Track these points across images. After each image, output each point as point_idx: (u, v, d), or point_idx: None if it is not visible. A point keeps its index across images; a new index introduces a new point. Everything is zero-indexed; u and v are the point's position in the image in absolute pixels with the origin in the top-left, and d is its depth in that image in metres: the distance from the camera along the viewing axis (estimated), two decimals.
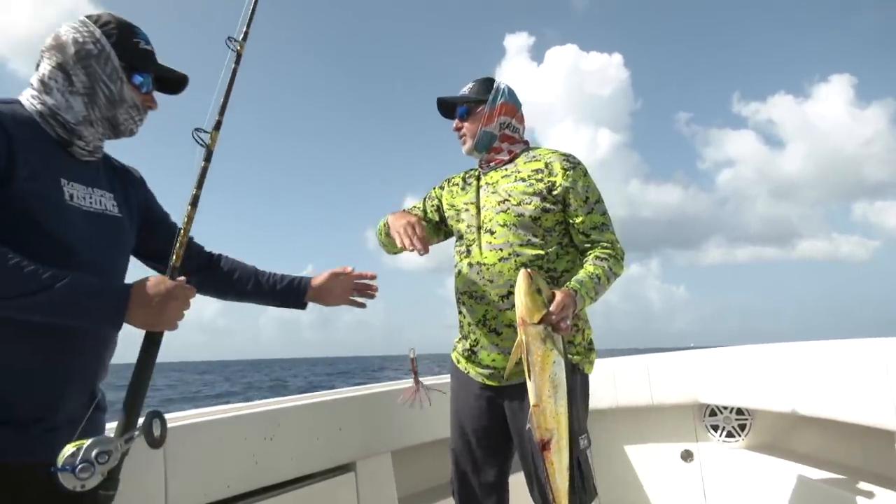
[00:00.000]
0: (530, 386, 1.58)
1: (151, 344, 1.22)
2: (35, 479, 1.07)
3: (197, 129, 1.36)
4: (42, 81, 1.25)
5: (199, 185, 1.34)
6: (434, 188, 2.23)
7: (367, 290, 1.83)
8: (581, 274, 1.81)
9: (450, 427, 2.09)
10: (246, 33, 1.49)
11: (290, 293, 1.71)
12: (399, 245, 1.90)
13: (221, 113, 1.40)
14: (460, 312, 2.03)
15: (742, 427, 3.03)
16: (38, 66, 1.27)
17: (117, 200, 1.36)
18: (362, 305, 1.82)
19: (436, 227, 2.19)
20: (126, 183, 1.44)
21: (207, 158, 1.36)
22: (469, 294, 1.96)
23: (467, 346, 1.99)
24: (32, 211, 1.13)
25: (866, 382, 2.10)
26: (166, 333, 1.24)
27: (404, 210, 2.18)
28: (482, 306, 1.93)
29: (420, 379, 2.24)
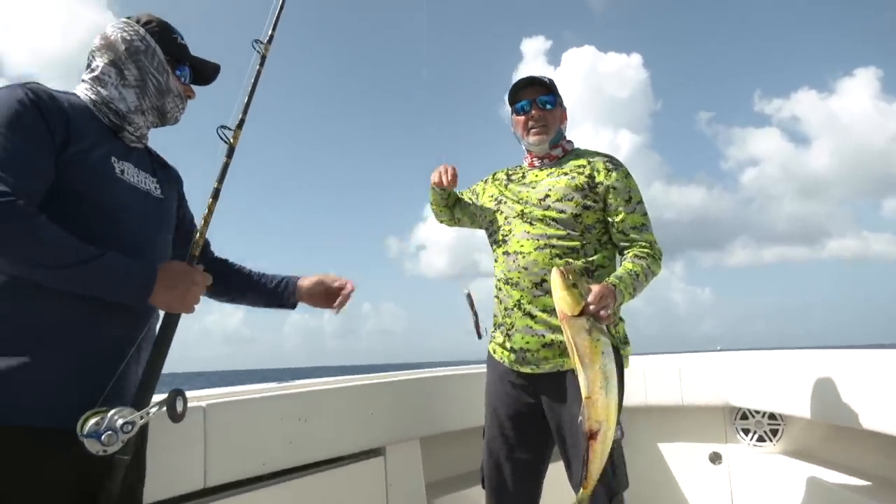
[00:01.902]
0: (581, 379, 1.61)
1: (170, 324, 1.29)
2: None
3: (222, 127, 1.42)
4: (96, 77, 1.35)
5: (221, 180, 1.41)
6: (479, 182, 2.29)
7: (342, 301, 1.78)
8: (620, 270, 1.86)
9: (484, 416, 2.11)
10: (271, 36, 1.54)
11: (280, 294, 1.74)
12: (437, 180, 2.10)
13: (245, 112, 1.47)
14: (497, 299, 2.07)
15: (774, 432, 2.98)
16: (88, 64, 1.37)
17: (161, 185, 1.45)
18: (338, 310, 1.79)
19: (471, 214, 2.27)
20: (167, 174, 1.53)
21: (229, 154, 1.42)
22: (506, 280, 2.01)
23: (504, 328, 2.03)
24: (85, 180, 1.22)
25: None
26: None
27: None
28: (517, 292, 1.97)
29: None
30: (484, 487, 2.08)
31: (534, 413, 1.99)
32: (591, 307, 1.61)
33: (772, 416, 2.99)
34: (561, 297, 1.61)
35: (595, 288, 1.65)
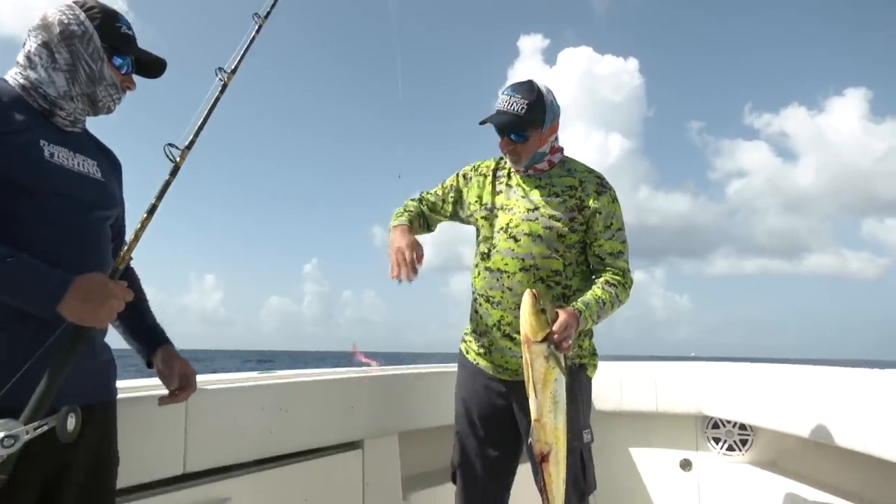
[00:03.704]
0: (532, 402, 1.67)
1: (78, 337, 1.20)
2: None
3: (169, 145, 1.38)
4: (27, 57, 1.32)
5: (160, 197, 1.35)
6: (457, 175, 2.17)
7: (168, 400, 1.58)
8: (588, 296, 1.87)
9: (454, 412, 2.14)
10: (236, 67, 1.51)
11: (149, 338, 1.56)
12: (392, 275, 1.87)
13: (196, 134, 1.42)
14: (476, 312, 2.07)
15: (743, 442, 3.06)
16: (24, 43, 1.35)
17: (101, 168, 1.42)
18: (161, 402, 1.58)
19: (452, 215, 2.17)
20: (108, 159, 1.50)
21: (173, 173, 1.38)
22: (487, 298, 2.01)
23: (483, 343, 2.04)
24: (9, 163, 1.20)
25: (871, 412, 2.12)
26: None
27: (405, 228, 2.02)
28: (498, 311, 1.98)
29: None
30: (455, 483, 2.12)
31: (506, 413, 2.03)
32: (555, 336, 1.66)
33: (742, 427, 3.07)
34: (528, 321, 1.66)
35: (562, 316, 1.70)
